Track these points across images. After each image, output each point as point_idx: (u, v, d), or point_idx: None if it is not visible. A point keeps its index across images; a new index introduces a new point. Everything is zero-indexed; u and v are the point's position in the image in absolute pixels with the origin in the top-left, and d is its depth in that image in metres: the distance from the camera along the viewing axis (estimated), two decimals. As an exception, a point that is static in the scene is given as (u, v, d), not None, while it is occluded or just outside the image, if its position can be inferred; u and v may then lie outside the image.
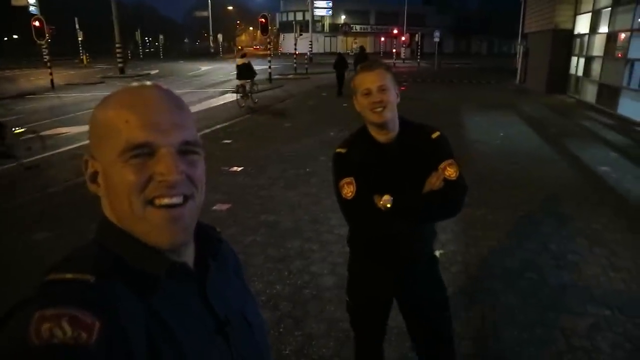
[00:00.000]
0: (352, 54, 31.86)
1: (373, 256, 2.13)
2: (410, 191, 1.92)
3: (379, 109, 1.91)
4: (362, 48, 22.72)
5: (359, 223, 2.04)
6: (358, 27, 65.82)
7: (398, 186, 1.90)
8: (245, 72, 14.63)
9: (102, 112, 0.78)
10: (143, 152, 0.74)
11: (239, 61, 14.95)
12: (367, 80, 1.94)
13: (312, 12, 41.89)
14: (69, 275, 0.69)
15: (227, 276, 0.95)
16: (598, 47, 15.47)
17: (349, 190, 1.91)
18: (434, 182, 1.90)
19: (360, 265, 2.20)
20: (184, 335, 0.76)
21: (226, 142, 9.63)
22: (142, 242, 0.77)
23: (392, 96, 1.94)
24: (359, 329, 2.30)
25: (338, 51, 22.66)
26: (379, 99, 1.91)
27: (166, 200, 0.75)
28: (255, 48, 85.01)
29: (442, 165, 1.92)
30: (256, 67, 15.74)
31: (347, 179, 1.92)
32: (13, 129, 8.25)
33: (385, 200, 1.85)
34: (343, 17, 64.09)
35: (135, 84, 0.81)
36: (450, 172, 1.91)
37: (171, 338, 0.74)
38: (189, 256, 0.85)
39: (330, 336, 3.28)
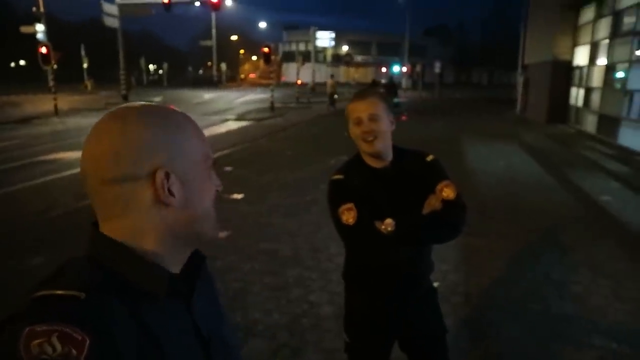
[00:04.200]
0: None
1: (371, 288, 2.06)
2: (411, 214, 1.89)
3: (370, 139, 1.90)
4: (391, 78, 26.33)
5: (361, 249, 1.99)
6: (360, 57, 66.71)
7: (397, 211, 1.86)
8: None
9: (174, 123, 0.91)
10: (211, 164, 0.91)
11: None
12: (359, 109, 1.93)
13: (315, 43, 42.39)
14: (59, 292, 0.69)
15: (209, 296, 0.95)
16: (597, 78, 15.63)
17: (349, 216, 1.85)
18: (433, 203, 1.88)
19: (358, 300, 2.11)
20: (173, 353, 0.76)
21: (227, 170, 9.64)
22: (141, 258, 0.78)
23: (385, 125, 1.92)
24: None
25: (373, 78, 28.37)
26: (369, 128, 1.89)
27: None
28: (253, 76, 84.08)
29: (439, 187, 1.91)
30: (258, 97, 20.37)
31: (347, 205, 1.87)
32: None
33: (388, 224, 1.81)
34: (345, 47, 64.91)
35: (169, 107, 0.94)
36: (448, 192, 1.90)
37: (161, 355, 0.74)
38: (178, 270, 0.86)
39: (328, 367, 3.20)
